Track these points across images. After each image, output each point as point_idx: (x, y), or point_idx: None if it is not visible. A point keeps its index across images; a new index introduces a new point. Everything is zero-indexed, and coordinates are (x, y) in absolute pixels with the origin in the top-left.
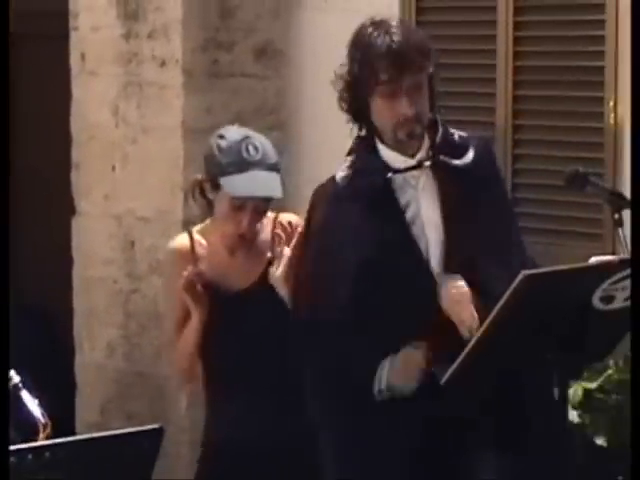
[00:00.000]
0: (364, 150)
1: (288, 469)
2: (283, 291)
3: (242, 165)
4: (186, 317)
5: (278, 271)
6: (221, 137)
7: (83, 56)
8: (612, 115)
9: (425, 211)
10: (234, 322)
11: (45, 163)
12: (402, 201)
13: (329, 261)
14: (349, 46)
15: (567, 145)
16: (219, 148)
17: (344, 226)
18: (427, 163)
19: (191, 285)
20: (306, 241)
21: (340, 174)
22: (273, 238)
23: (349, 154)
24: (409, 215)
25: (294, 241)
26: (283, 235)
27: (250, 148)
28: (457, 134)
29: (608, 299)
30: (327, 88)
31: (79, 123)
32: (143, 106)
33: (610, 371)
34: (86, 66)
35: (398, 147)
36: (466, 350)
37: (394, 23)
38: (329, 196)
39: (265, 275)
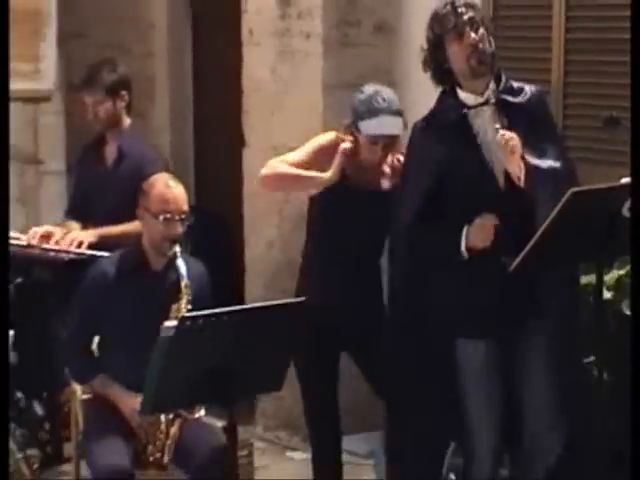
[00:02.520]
0: (447, 96)
1: (364, 326)
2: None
3: (373, 112)
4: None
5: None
6: (361, 92)
7: (251, 31)
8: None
9: (491, 136)
10: (348, 209)
11: (224, 109)
12: (475, 129)
13: (423, 170)
14: (426, 29)
15: (603, 97)
16: (359, 100)
17: (433, 148)
18: (492, 100)
19: (344, 154)
20: (406, 161)
21: (429, 113)
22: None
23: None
24: (479, 139)
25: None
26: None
27: (379, 99)
28: (515, 83)
29: None
30: None
31: (248, 80)
32: (293, 68)
33: None
34: (253, 39)
35: (471, 89)
36: (529, 245)
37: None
38: (422, 128)
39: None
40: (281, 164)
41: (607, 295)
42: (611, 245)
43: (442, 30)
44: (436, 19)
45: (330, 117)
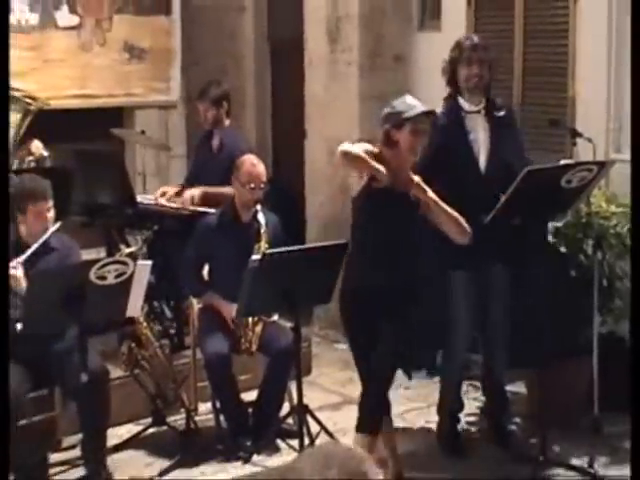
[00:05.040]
0: (450, 100)
1: (398, 308)
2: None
3: (411, 105)
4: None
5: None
6: (391, 103)
7: (310, 60)
8: (571, 89)
9: (480, 136)
10: (385, 209)
11: (292, 113)
12: (468, 129)
13: (430, 158)
14: (452, 47)
15: (549, 105)
16: (393, 107)
17: (439, 140)
18: (483, 111)
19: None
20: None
21: (437, 113)
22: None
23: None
24: (471, 136)
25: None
26: None
27: (408, 99)
28: (498, 99)
29: (569, 182)
30: (434, 77)
31: (308, 93)
32: (338, 85)
33: (569, 217)
34: (312, 65)
35: (469, 99)
36: (497, 207)
37: (475, 36)
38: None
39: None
40: (357, 149)
41: (551, 239)
42: (553, 206)
43: (457, 56)
44: (456, 47)
45: (363, 119)
